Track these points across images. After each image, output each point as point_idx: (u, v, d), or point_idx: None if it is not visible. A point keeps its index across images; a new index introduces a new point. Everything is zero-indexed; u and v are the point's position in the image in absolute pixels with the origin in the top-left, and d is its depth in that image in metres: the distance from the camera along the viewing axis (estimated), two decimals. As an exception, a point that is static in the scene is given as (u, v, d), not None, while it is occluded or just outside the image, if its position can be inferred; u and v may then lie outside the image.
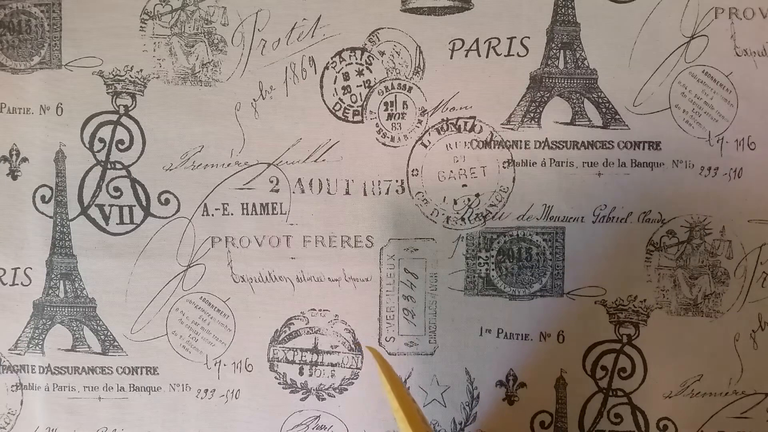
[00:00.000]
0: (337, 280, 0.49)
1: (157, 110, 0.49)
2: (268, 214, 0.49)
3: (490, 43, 0.48)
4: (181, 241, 0.49)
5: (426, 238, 0.49)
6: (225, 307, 0.49)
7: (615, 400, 0.49)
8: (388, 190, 0.49)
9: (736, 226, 0.48)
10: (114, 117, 0.49)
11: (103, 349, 0.50)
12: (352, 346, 0.50)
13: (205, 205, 0.49)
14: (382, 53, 0.48)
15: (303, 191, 0.49)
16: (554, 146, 0.48)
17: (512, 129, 0.48)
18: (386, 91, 0.49)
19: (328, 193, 0.49)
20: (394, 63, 0.48)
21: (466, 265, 0.49)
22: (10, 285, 0.49)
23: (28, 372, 0.50)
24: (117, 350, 0.50)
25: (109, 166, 0.49)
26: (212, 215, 0.49)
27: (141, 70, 0.48)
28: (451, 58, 0.48)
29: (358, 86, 0.49)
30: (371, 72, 0.49)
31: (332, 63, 0.48)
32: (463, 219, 0.49)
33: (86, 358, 0.50)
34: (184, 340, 0.50)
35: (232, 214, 0.49)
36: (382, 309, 0.49)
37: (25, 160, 0.49)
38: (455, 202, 0.49)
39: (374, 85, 0.49)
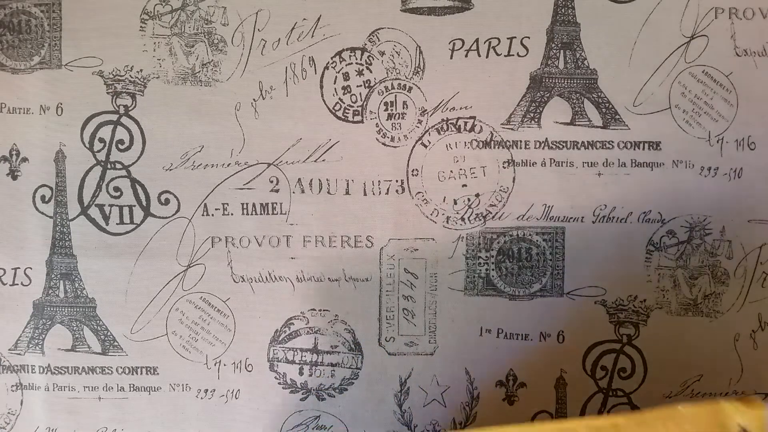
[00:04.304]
0: (337, 280, 0.49)
1: (157, 110, 0.49)
2: (268, 214, 0.49)
3: (490, 43, 0.48)
4: (181, 241, 0.49)
5: (426, 238, 0.49)
6: (225, 307, 0.49)
7: (615, 400, 0.49)
8: (388, 190, 0.49)
9: (736, 226, 0.48)
10: (114, 117, 0.49)
11: (103, 349, 0.50)
12: (352, 346, 0.50)
13: (205, 205, 0.49)
14: (382, 53, 0.48)
15: (303, 191, 0.49)
16: (554, 146, 0.48)
17: (512, 129, 0.48)
18: (386, 91, 0.49)
19: (328, 193, 0.49)
20: (394, 63, 0.48)
21: (466, 265, 0.49)
22: (10, 285, 0.49)
23: (28, 372, 0.50)
24: (117, 350, 0.50)
25: (109, 166, 0.49)
26: (212, 215, 0.49)
27: (141, 70, 0.48)
28: (451, 58, 0.48)
29: (358, 86, 0.49)
30: (371, 72, 0.49)
31: (332, 63, 0.48)
32: (463, 219, 0.49)
33: (86, 358, 0.50)
34: (184, 340, 0.50)
35: (232, 214, 0.49)
36: (382, 309, 0.49)
37: (25, 160, 0.49)
38: (455, 202, 0.49)
39: (374, 85, 0.49)
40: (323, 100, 0.49)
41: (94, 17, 0.48)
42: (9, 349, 0.50)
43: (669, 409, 0.33)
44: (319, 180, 0.49)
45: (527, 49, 0.48)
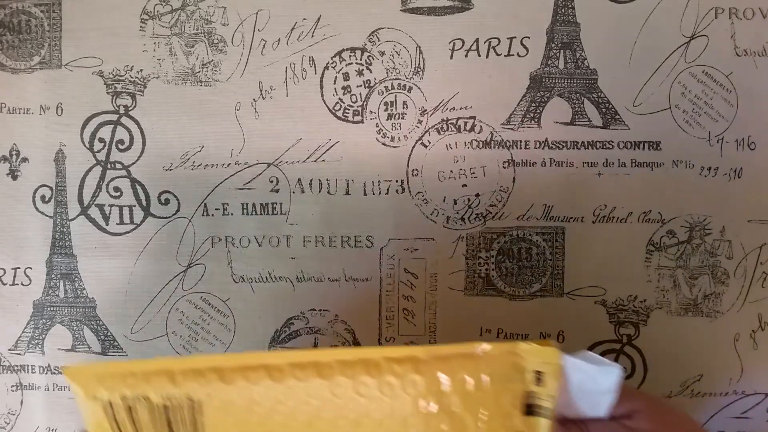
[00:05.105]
0: (337, 280, 0.49)
1: (157, 110, 0.49)
2: (268, 214, 0.49)
3: (490, 43, 0.48)
4: (181, 241, 0.49)
5: (426, 238, 0.49)
6: (225, 307, 0.49)
7: (615, 400, 0.49)
8: (388, 190, 0.49)
9: (736, 226, 0.48)
10: (114, 117, 0.49)
11: (103, 349, 0.50)
12: (352, 346, 0.49)
13: (205, 205, 0.49)
14: (382, 53, 0.48)
15: (303, 191, 0.49)
16: (554, 146, 0.48)
17: (512, 129, 0.48)
18: (386, 91, 0.49)
19: (328, 193, 0.49)
20: (394, 63, 0.48)
21: (466, 265, 0.49)
22: (10, 285, 0.49)
23: (28, 372, 0.50)
24: (117, 350, 0.50)
25: (109, 166, 0.49)
26: (212, 215, 0.49)
27: (141, 70, 0.48)
28: (451, 58, 0.48)
29: (358, 86, 0.49)
30: (371, 72, 0.49)
31: (332, 63, 0.48)
32: (463, 219, 0.49)
33: (86, 359, 0.50)
34: (184, 340, 0.50)
35: (232, 214, 0.49)
36: (382, 309, 0.49)
37: (25, 160, 0.49)
38: (455, 202, 0.49)
39: (374, 85, 0.49)
40: (323, 100, 0.49)
41: (94, 17, 0.48)
42: (9, 349, 0.50)
43: (468, 346, 0.31)
44: (319, 180, 0.49)
45: (527, 49, 0.48)
